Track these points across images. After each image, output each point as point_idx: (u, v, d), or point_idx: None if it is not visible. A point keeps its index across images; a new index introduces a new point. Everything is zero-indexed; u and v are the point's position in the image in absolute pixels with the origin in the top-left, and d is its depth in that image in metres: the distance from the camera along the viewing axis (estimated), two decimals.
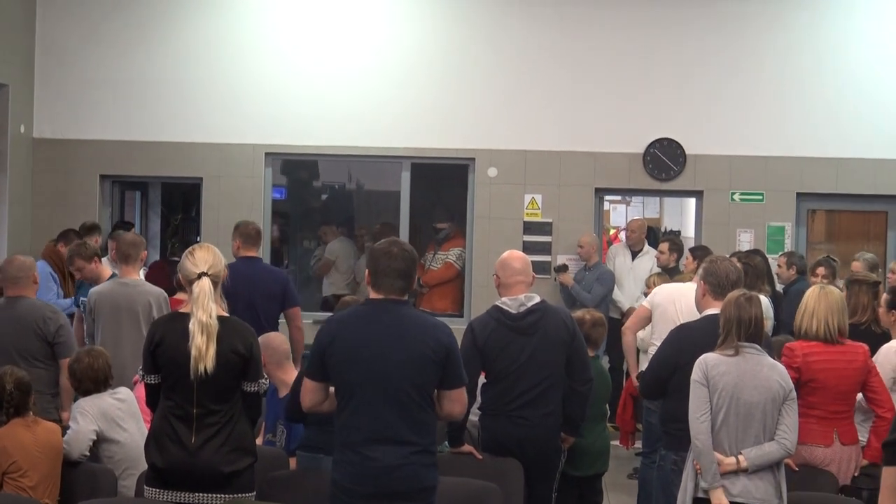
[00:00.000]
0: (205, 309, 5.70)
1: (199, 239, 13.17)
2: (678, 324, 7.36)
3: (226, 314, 5.92)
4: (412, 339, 5.55)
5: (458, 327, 6.73)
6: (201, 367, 5.64)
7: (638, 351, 9.23)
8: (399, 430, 5.51)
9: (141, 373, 6.14)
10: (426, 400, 5.60)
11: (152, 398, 5.99)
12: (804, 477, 6.84)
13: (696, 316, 7.09)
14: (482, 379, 7.15)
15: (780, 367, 6.43)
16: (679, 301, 8.18)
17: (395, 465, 5.48)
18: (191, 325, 5.69)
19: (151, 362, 5.89)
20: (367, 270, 5.75)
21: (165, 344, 5.82)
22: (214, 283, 5.81)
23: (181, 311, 5.97)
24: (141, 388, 7.27)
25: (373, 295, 5.69)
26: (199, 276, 5.79)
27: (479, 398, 7.14)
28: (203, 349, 5.64)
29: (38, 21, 13.44)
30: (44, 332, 7.82)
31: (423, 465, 5.57)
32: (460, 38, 13.26)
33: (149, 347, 5.90)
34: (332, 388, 5.69)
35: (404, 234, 13.41)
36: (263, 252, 13.19)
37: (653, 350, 7.84)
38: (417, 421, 5.56)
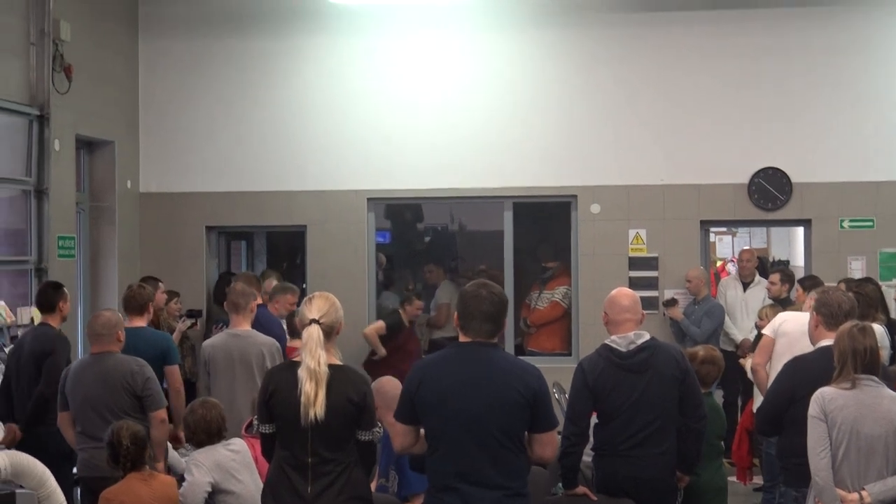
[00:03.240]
0: (313, 355, 5.70)
1: (305, 286, 13.26)
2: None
3: (339, 362, 5.92)
4: (500, 382, 5.56)
5: (566, 366, 6.70)
6: (311, 414, 5.63)
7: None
8: (489, 473, 5.52)
9: (256, 423, 6.16)
10: (516, 443, 5.60)
11: (267, 448, 6.01)
12: None
13: None
14: (594, 419, 7.07)
15: None
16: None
17: None
18: (300, 372, 5.70)
19: (266, 412, 5.91)
20: (455, 313, 5.77)
21: (279, 393, 5.84)
22: (326, 332, 5.81)
23: (294, 359, 5.98)
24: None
25: (462, 338, 5.72)
26: (310, 322, 5.81)
27: (591, 438, 7.06)
28: (312, 395, 5.64)
29: (141, 78, 13.69)
30: (132, 386, 7.78)
31: None
32: (558, 76, 13.23)
33: (263, 397, 5.93)
34: (423, 430, 5.72)
35: (508, 273, 13.40)
36: (369, 296, 13.36)
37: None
38: (507, 464, 5.56)
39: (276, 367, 6.50)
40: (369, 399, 5.91)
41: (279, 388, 5.84)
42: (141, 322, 8.97)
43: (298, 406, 5.67)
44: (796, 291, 10.72)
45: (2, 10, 11.17)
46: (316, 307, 5.88)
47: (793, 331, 8.45)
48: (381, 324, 12.62)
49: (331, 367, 5.75)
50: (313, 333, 5.77)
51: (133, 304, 9.08)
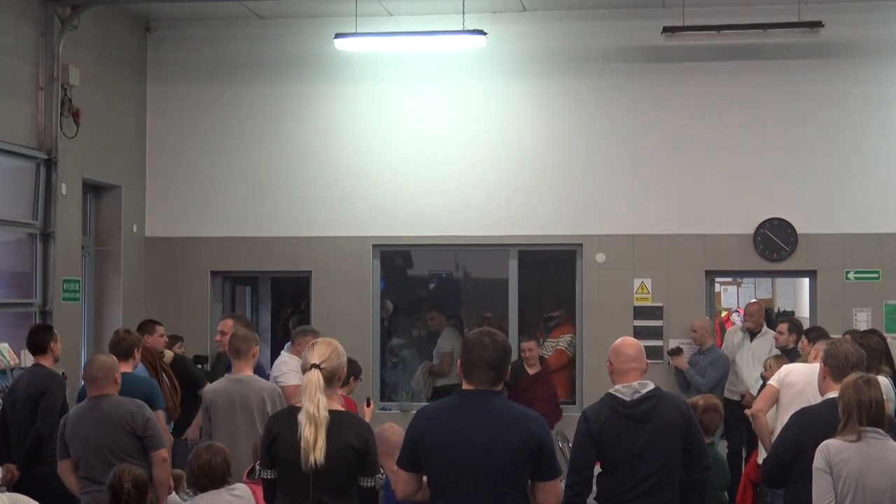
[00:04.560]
0: (312, 400, 5.69)
1: None
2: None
3: (341, 408, 5.90)
4: (503, 430, 5.56)
5: (570, 414, 6.65)
6: (311, 459, 5.61)
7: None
8: None
9: (258, 468, 6.13)
10: (519, 491, 5.59)
11: (269, 494, 5.98)
12: None
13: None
14: (597, 468, 7.03)
15: None
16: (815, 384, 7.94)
17: None
18: (300, 416, 5.70)
19: (268, 457, 5.90)
20: (458, 361, 5.78)
21: (281, 438, 5.82)
22: (328, 378, 5.80)
23: (297, 404, 5.96)
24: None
25: (465, 386, 5.72)
26: (311, 367, 5.81)
27: (594, 488, 7.02)
28: (311, 440, 5.62)
29: (148, 123, 13.77)
30: (132, 426, 7.74)
31: None
32: (565, 125, 13.27)
33: (265, 442, 5.92)
34: (425, 478, 5.71)
35: (513, 321, 13.38)
36: (373, 342, 13.33)
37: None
38: None
39: (280, 412, 6.47)
40: (371, 445, 5.89)
41: (281, 432, 5.82)
42: (126, 367, 8.89)
43: (299, 451, 5.66)
44: (802, 342, 10.70)
45: (11, 56, 11.25)
46: (317, 352, 5.87)
47: (799, 382, 8.43)
48: None
49: (332, 412, 5.73)
50: (313, 378, 5.76)
51: (119, 349, 9.02)
